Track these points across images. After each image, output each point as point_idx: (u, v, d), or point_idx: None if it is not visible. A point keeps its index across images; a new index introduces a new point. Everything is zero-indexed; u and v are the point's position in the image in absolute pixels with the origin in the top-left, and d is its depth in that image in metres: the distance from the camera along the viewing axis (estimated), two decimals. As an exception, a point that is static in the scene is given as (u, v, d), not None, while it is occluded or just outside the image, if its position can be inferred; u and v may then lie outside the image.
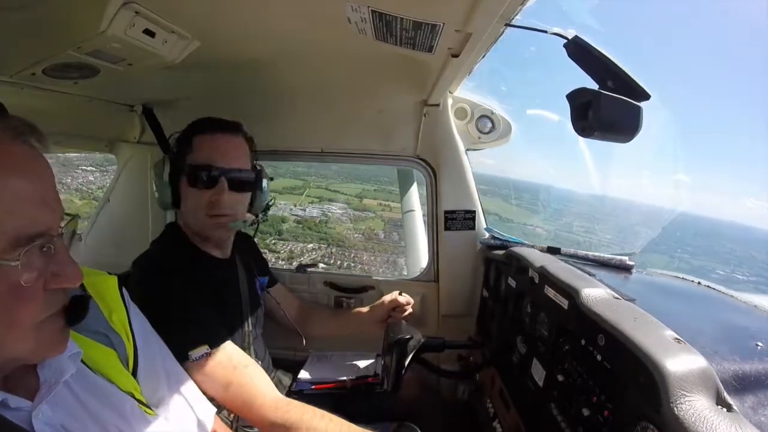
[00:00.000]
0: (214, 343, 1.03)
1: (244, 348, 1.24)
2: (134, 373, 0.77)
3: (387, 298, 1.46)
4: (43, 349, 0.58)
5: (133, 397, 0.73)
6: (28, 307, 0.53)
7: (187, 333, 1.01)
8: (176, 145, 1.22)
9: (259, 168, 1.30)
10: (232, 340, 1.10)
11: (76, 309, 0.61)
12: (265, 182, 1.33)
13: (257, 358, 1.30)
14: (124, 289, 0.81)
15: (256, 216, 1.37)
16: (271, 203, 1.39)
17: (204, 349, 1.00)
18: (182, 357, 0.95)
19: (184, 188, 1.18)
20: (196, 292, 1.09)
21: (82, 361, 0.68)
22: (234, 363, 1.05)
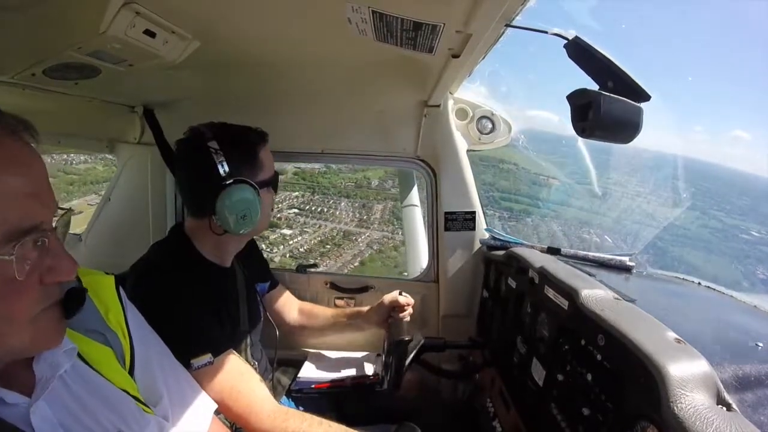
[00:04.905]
0: (217, 351, 1.02)
1: (239, 354, 1.23)
2: (131, 372, 0.77)
3: (387, 298, 1.45)
4: (40, 341, 0.58)
5: (130, 394, 0.73)
6: (23, 300, 0.54)
7: (190, 340, 0.99)
8: (238, 159, 1.10)
9: None
10: None
11: (73, 301, 0.61)
12: None
13: (253, 359, 1.30)
14: (121, 289, 0.81)
15: None
16: None
17: (207, 357, 0.99)
18: (183, 365, 0.93)
19: (264, 196, 1.15)
20: (197, 300, 1.08)
21: (80, 357, 0.68)
22: (235, 372, 1.04)
